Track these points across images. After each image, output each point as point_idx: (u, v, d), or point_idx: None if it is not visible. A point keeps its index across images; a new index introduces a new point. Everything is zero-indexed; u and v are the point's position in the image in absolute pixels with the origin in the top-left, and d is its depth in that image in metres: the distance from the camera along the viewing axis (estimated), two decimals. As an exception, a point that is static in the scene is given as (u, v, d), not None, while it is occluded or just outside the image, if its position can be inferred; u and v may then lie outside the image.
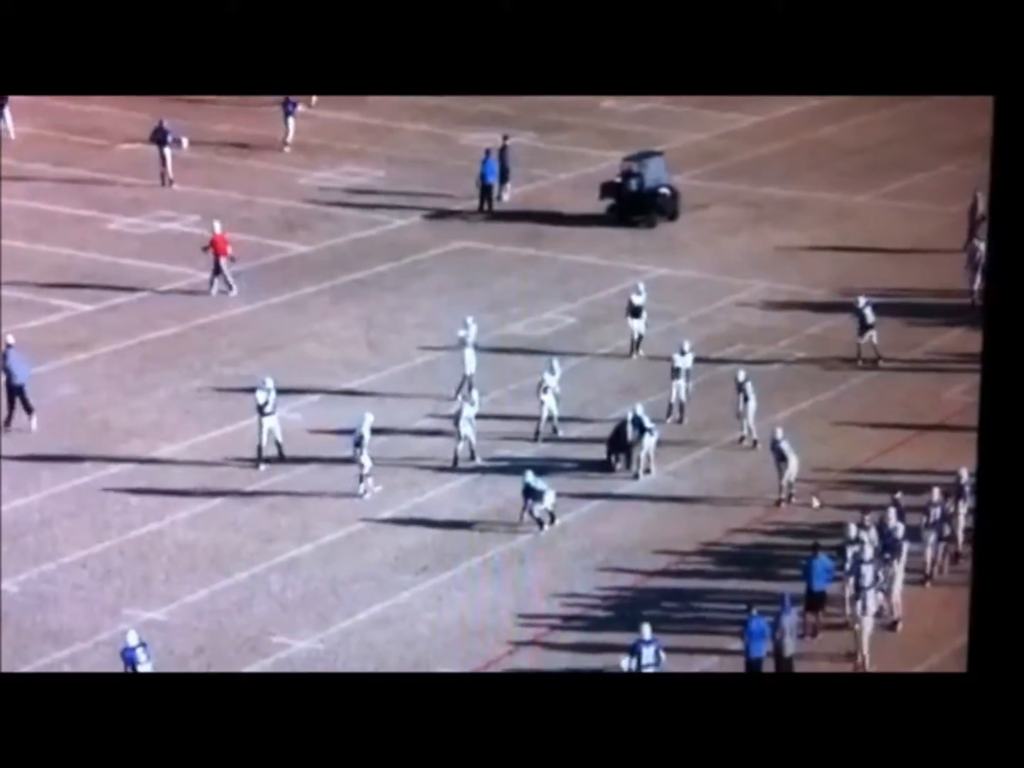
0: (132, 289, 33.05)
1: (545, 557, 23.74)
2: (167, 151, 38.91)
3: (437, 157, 41.22)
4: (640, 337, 30.45)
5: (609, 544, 24.10)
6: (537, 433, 27.03)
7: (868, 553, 21.64)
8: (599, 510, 25.13)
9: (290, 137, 41.94)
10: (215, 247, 33.16)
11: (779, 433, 25.06)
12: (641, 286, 30.71)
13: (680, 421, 27.33)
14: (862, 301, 29.90)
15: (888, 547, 21.96)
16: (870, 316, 29.76)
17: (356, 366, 30.05)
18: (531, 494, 24.29)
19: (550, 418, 27.12)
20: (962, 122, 39.66)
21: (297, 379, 29.03)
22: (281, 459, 26.17)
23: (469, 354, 28.61)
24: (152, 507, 25.02)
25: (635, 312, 30.35)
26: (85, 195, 38.15)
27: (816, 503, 22.56)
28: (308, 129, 43.20)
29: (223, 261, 32.98)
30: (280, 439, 26.26)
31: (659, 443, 26.14)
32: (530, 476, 24.32)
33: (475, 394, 26.52)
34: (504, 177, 37.97)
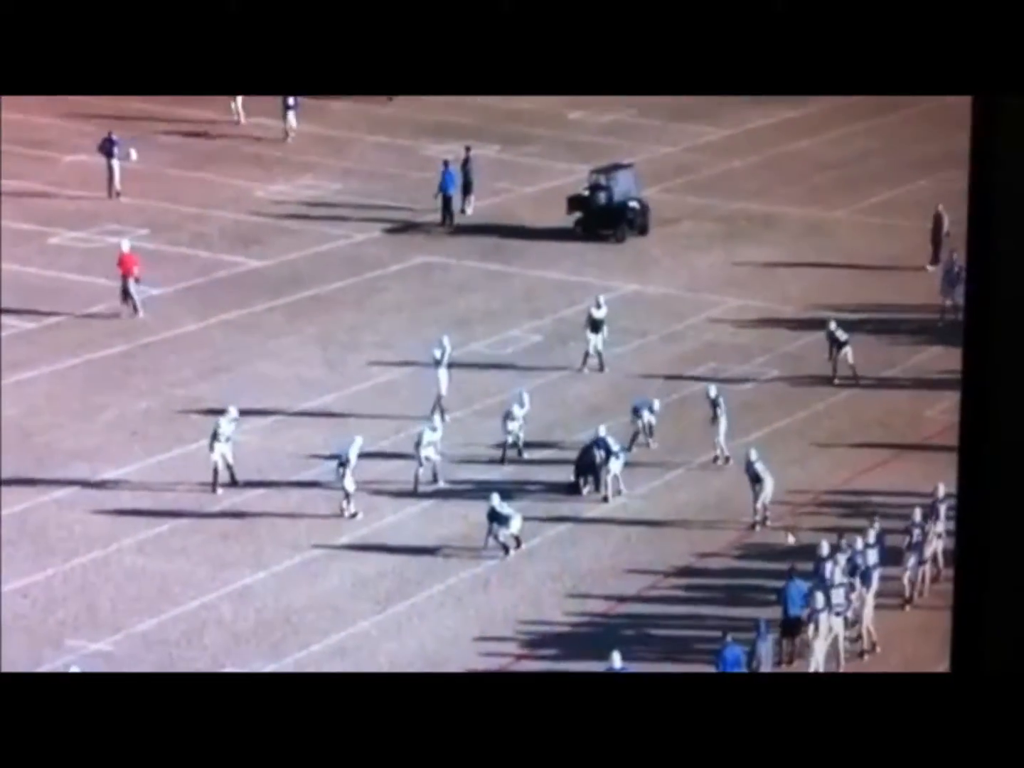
0: (76, 306, 32.75)
1: (511, 584, 23.62)
2: (115, 163, 38.74)
3: (397, 169, 41.15)
4: (599, 353, 30.35)
5: (577, 570, 23.98)
6: (503, 457, 26.89)
7: (837, 576, 21.63)
8: (567, 534, 25.00)
9: (292, 131, 42.04)
10: (122, 267, 32.45)
11: (753, 454, 25.01)
12: (601, 299, 30.67)
13: (648, 444, 27.24)
14: (832, 324, 29.92)
15: (855, 572, 21.96)
16: (842, 335, 29.79)
17: (312, 386, 29.88)
18: (496, 518, 24.15)
19: (514, 444, 27.03)
20: (940, 135, 39.89)
21: (251, 400, 28.79)
22: (233, 483, 25.97)
23: (443, 374, 28.43)
24: (98, 533, 24.76)
25: (595, 326, 30.29)
26: (26, 208, 37.78)
27: (791, 539, 22.49)
28: (264, 141, 43.10)
29: (131, 282, 32.21)
30: (231, 463, 26.06)
31: (628, 464, 26.04)
32: (495, 500, 24.18)
33: (437, 419, 26.35)
34: (467, 189, 37.92)
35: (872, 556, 22.23)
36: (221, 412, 26.42)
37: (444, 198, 37.50)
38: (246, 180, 40.33)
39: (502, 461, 26.93)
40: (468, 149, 38.54)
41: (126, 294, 32.38)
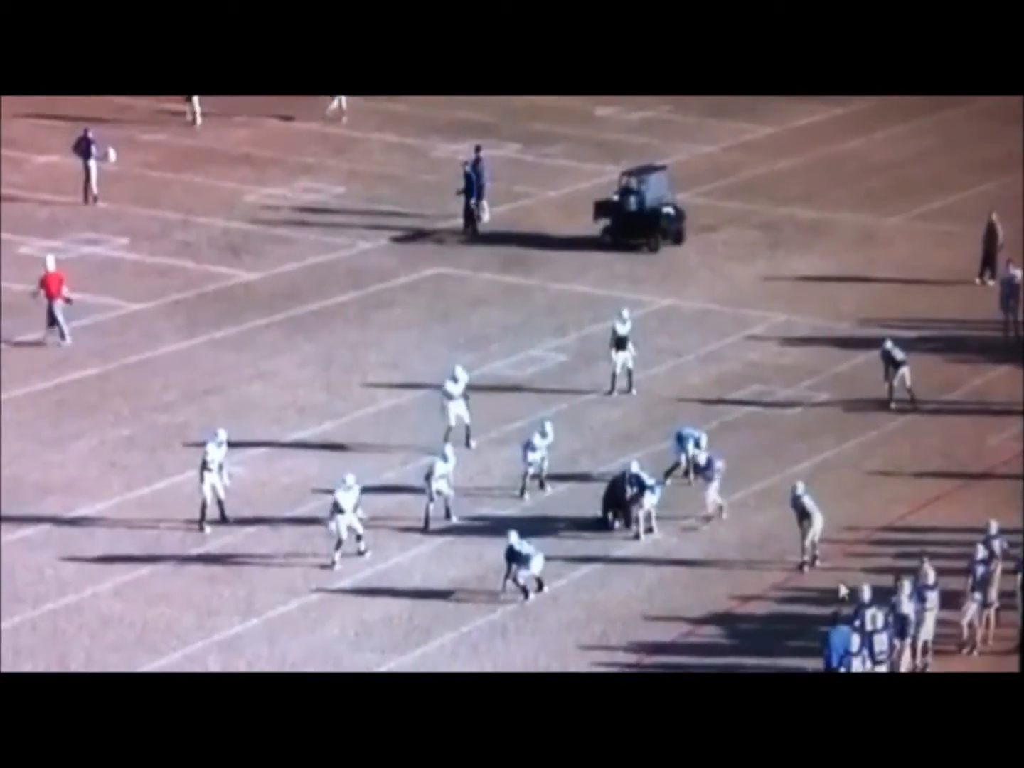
0: (49, 324, 32.52)
1: (532, 631, 23.55)
2: (92, 164, 38.75)
3: (406, 172, 41.30)
4: (629, 372, 30.34)
5: (606, 615, 23.91)
6: (523, 490, 26.88)
7: (879, 622, 21.64)
8: (594, 576, 24.94)
9: (198, 115, 42.51)
10: (46, 288, 31.99)
11: (800, 487, 24.96)
12: (625, 313, 30.69)
13: (690, 482, 27.09)
14: (888, 343, 29.90)
15: (895, 620, 21.94)
16: (899, 354, 29.77)
17: (311, 412, 29.85)
18: (515, 558, 24.14)
19: (536, 475, 26.99)
20: (1003, 133, 39.96)
21: (242, 427, 28.73)
22: (223, 520, 25.96)
23: (458, 407, 28.23)
24: (70, 576, 24.68)
25: (619, 343, 30.31)
26: None
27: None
28: (255, 139, 43.26)
29: (57, 305, 31.68)
30: (223, 497, 26.06)
31: (662, 499, 26.03)
32: (514, 537, 24.18)
33: (449, 449, 26.34)
34: (479, 194, 37.93)
35: (908, 606, 22.17)
36: (209, 440, 26.38)
37: (467, 203, 37.52)
38: (237, 182, 40.47)
39: (521, 495, 26.89)
40: (478, 149, 38.62)
41: (52, 318, 31.72)
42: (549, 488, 27.09)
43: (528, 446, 26.80)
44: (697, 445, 27.03)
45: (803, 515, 24.76)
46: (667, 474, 27.00)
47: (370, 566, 24.98)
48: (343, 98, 43.56)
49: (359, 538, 25.07)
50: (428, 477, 25.96)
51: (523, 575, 24.11)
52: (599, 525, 26.05)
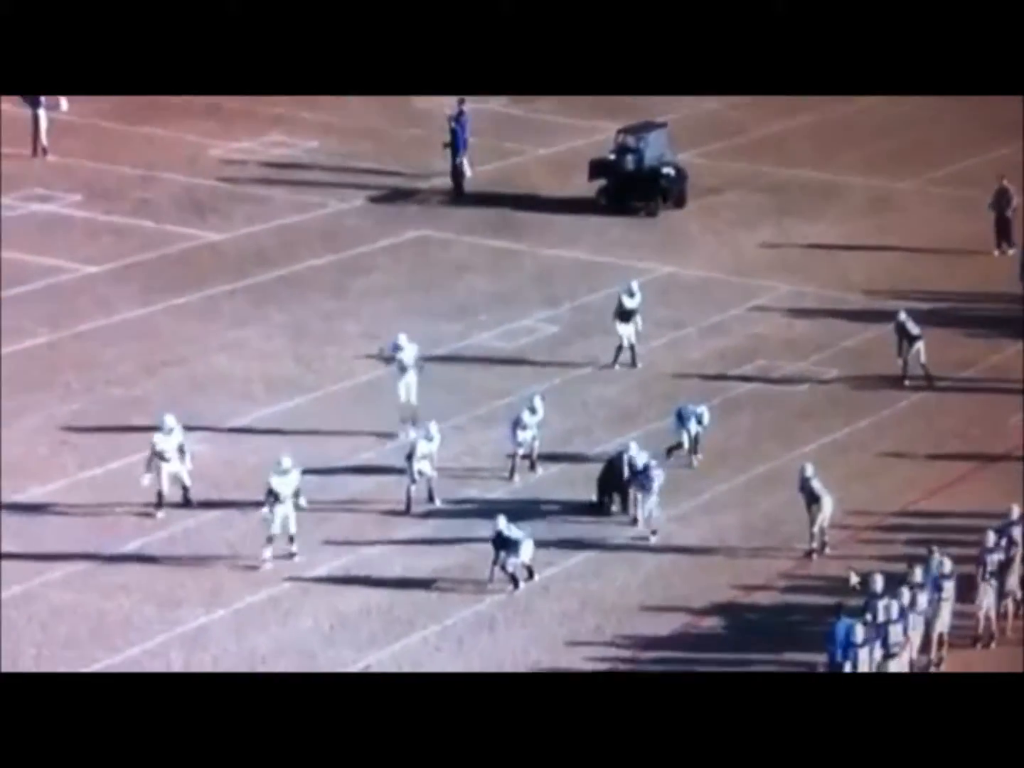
0: None
1: (521, 623, 23.72)
2: (41, 113, 38.57)
3: (386, 125, 41.37)
4: (632, 347, 30.61)
5: (600, 606, 24.10)
6: (512, 471, 27.11)
7: (894, 613, 21.97)
8: (588, 564, 25.15)
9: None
10: None
11: (809, 470, 25.26)
12: (635, 285, 30.90)
13: (691, 463, 27.32)
14: (903, 315, 30.18)
15: (910, 610, 22.26)
16: (913, 328, 30.08)
17: (281, 386, 29.92)
18: (504, 544, 24.36)
19: (527, 455, 27.24)
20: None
21: (206, 402, 28.87)
22: (187, 504, 26.07)
23: (409, 381, 28.31)
24: (18, 565, 24.60)
25: (625, 316, 30.53)
26: None
27: (855, 578, 22.80)
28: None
29: None
30: (188, 483, 25.98)
31: (661, 483, 26.28)
32: (502, 522, 24.40)
33: (433, 427, 26.51)
34: (462, 150, 37.82)
35: (913, 596, 22.51)
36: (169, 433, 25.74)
37: (454, 161, 37.65)
38: (201, 136, 40.50)
39: (510, 476, 27.13)
40: (462, 101, 38.62)
41: None
42: (540, 469, 27.32)
43: (517, 424, 27.01)
44: (700, 422, 27.30)
45: (812, 499, 25.07)
46: (668, 453, 27.26)
47: (347, 553, 25.08)
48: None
49: (291, 539, 24.70)
50: (410, 457, 26.16)
51: (512, 563, 24.36)
52: (594, 509, 26.27)
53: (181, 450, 25.89)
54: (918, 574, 22.68)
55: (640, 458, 25.85)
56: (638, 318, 30.55)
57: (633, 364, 30.65)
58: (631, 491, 26.07)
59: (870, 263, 35.17)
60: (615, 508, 26.25)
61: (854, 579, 22.89)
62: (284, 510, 24.78)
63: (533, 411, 27.14)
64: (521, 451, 27.09)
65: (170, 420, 25.98)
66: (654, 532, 25.67)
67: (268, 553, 24.73)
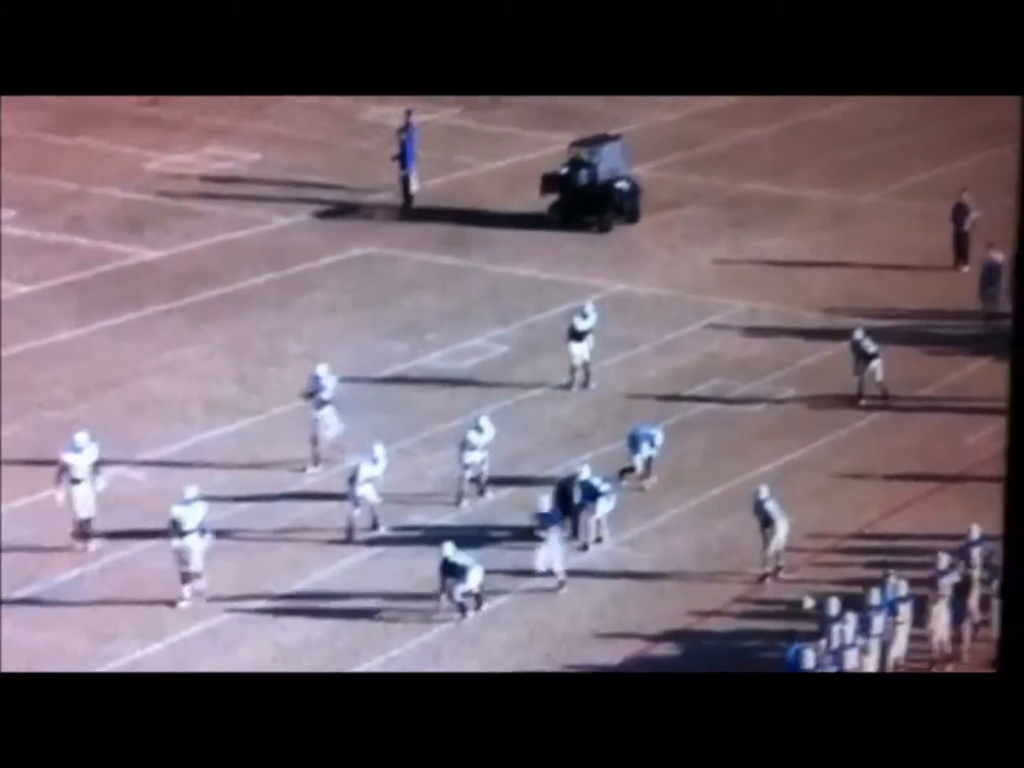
0: None
1: (469, 654, 23.93)
2: None
3: (332, 137, 41.63)
4: (585, 366, 31.01)
5: (551, 635, 24.40)
6: (460, 496, 27.43)
7: (848, 637, 22.47)
8: (539, 591, 25.47)
9: None
10: None
11: (764, 492, 25.71)
12: (589, 307, 31.28)
13: (643, 487, 27.75)
14: (859, 333, 30.75)
15: (862, 632, 22.76)
16: (870, 346, 30.60)
17: (222, 408, 30.12)
18: (451, 572, 24.58)
19: (475, 479, 27.57)
20: (993, 100, 40.55)
21: (143, 426, 29.05)
22: (84, 536, 25.61)
23: (327, 414, 28.31)
24: None
25: (578, 337, 30.95)
26: None
27: (810, 603, 23.29)
28: (159, 99, 42.97)
29: None
30: (91, 514, 25.61)
31: (614, 506, 26.66)
32: (449, 549, 24.64)
33: (378, 449, 26.66)
34: (408, 163, 38.16)
35: (897, 612, 23.01)
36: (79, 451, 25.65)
37: (405, 174, 37.97)
38: (138, 148, 40.60)
39: (458, 502, 27.40)
40: (409, 113, 38.99)
41: None
42: (490, 494, 27.66)
43: (464, 445, 27.28)
44: (652, 444, 27.74)
45: (766, 522, 25.53)
46: (621, 475, 27.69)
47: (287, 583, 25.19)
48: None
49: (192, 576, 24.49)
50: (352, 480, 26.35)
51: (459, 591, 24.64)
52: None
53: (97, 469, 25.80)
54: (874, 597, 23.19)
55: (594, 481, 26.27)
56: (590, 338, 31.00)
57: (586, 384, 31.09)
58: (582, 516, 26.47)
59: (828, 279, 35.61)
60: (566, 534, 26.63)
61: (808, 603, 23.37)
62: (197, 545, 24.66)
63: (480, 430, 27.36)
64: (468, 474, 27.35)
65: (82, 439, 25.95)
66: (599, 539, 26.04)
67: (188, 592, 24.68)
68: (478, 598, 24.76)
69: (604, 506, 26.17)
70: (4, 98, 40.24)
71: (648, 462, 27.83)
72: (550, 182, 37.90)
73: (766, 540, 25.57)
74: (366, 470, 26.34)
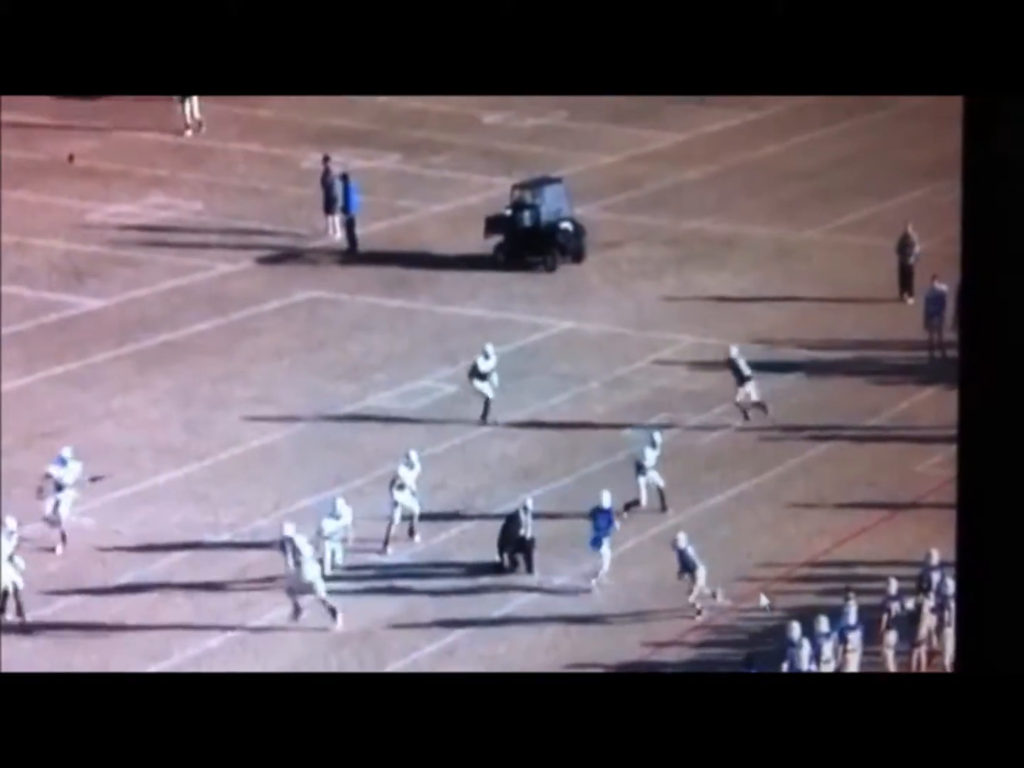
0: None
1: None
2: None
3: (273, 185, 41.70)
4: (489, 401, 31.04)
5: (509, 670, 24.18)
6: (386, 541, 27.10)
7: (804, 661, 22.53)
8: (494, 626, 25.39)
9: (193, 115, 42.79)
10: None
11: (682, 540, 25.50)
12: (490, 348, 31.39)
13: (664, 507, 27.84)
14: (734, 350, 31.10)
15: (814, 659, 22.84)
16: (745, 368, 30.90)
17: (169, 454, 30.03)
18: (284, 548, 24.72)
19: (407, 517, 27.36)
20: (931, 137, 41.03)
21: (91, 471, 28.54)
22: (19, 614, 25.23)
23: (64, 500, 27.28)
24: None
25: (481, 377, 31.10)
26: None
27: (764, 600, 23.38)
28: (100, 150, 43.34)
29: None
30: (19, 587, 25.30)
31: (564, 537, 26.66)
32: (290, 529, 25.08)
33: (340, 504, 26.41)
34: (329, 209, 38.33)
35: (847, 640, 23.08)
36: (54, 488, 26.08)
37: (348, 219, 38.07)
38: (78, 199, 40.55)
39: (384, 547, 26.99)
40: (327, 159, 39.10)
41: None
42: (417, 537, 27.24)
43: (392, 483, 27.06)
44: (654, 445, 27.76)
45: (686, 567, 25.43)
46: (626, 508, 27.56)
47: (238, 628, 25.10)
48: (195, 105, 43.89)
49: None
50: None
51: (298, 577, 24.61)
52: (496, 569, 26.63)
53: (77, 486, 26.58)
54: (823, 624, 23.25)
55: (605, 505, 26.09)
56: (494, 376, 31.02)
57: (484, 417, 30.92)
58: (533, 549, 26.50)
59: (774, 313, 35.79)
60: (518, 568, 26.64)
61: (764, 601, 23.42)
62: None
63: (409, 465, 27.26)
64: (398, 514, 27.06)
65: (67, 452, 27.01)
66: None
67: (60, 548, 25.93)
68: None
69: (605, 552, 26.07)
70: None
71: (661, 495, 27.70)
72: (494, 224, 38.06)
73: (690, 586, 25.35)
74: (328, 524, 26.23)
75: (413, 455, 27.54)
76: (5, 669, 23.86)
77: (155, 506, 28.20)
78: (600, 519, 26.11)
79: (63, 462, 26.94)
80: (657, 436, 28.40)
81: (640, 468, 28.00)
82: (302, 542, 25.29)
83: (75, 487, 26.84)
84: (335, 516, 26.18)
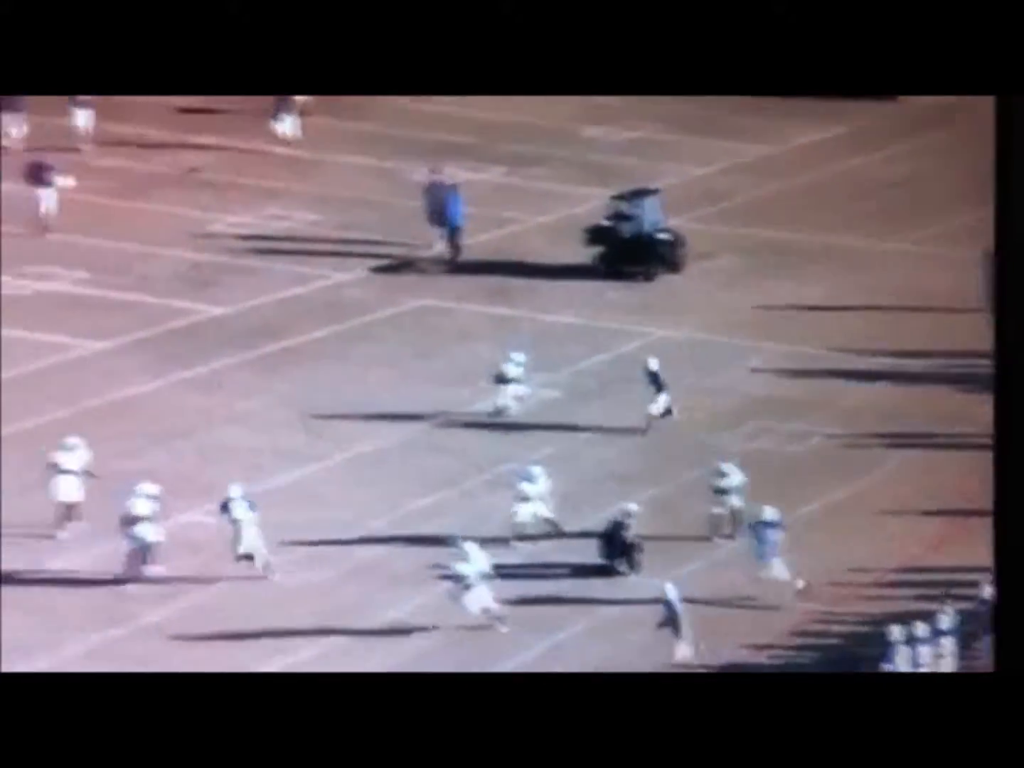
0: (3, 365, 32.64)
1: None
2: (43, 192, 38.67)
3: (385, 197, 41.86)
4: (517, 398, 31.60)
5: (627, 668, 24.15)
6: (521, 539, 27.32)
7: (903, 667, 22.67)
8: (604, 625, 25.60)
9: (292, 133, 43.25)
10: None
11: (671, 591, 24.88)
12: (520, 357, 31.93)
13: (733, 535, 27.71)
14: (653, 364, 31.16)
15: (913, 662, 23.00)
16: (663, 380, 31.00)
17: (288, 456, 30.27)
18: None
19: (547, 522, 27.57)
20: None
21: (214, 474, 29.22)
22: (65, 519, 27.22)
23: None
24: (40, 639, 25.02)
25: (506, 381, 31.67)
26: None
27: (800, 584, 23.52)
28: (219, 163, 43.76)
29: None
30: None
31: (663, 539, 26.72)
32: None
33: (536, 470, 27.09)
34: (435, 220, 38.56)
35: (945, 644, 23.20)
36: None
37: (451, 229, 38.38)
38: (201, 210, 40.87)
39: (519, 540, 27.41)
40: (434, 171, 39.29)
41: None
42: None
43: (516, 496, 27.43)
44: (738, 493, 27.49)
45: (669, 620, 24.78)
46: (712, 533, 27.57)
47: (354, 623, 25.34)
48: (288, 123, 44.02)
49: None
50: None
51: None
52: (603, 571, 26.84)
53: (85, 471, 27.42)
54: (920, 629, 23.39)
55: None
56: (519, 387, 31.59)
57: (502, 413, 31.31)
58: (635, 551, 26.73)
59: (861, 322, 35.76)
60: (623, 569, 26.93)
61: (800, 584, 23.44)
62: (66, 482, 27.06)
63: (532, 480, 27.60)
64: (524, 523, 27.41)
65: (72, 441, 27.85)
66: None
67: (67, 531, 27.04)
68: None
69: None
70: (68, 163, 40.64)
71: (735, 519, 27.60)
72: (594, 235, 38.19)
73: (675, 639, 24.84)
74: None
75: (535, 471, 27.79)
76: (146, 668, 24.19)
77: (274, 507, 28.51)
78: (765, 532, 25.87)
79: (68, 448, 27.60)
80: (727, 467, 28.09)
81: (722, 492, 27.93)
82: (241, 505, 26.36)
83: (78, 472, 27.51)
84: (465, 559, 25.52)
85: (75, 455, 27.85)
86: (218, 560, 26.86)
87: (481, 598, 25.09)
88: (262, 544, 26.49)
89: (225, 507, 26.63)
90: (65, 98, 42.79)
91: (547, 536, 27.73)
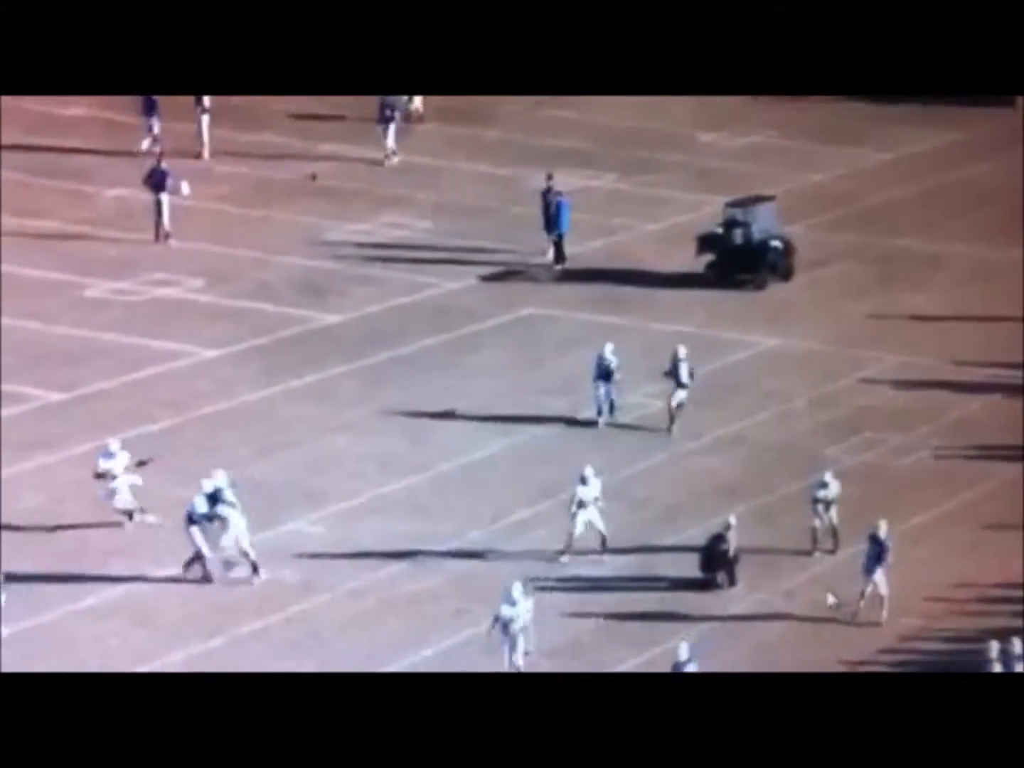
0: (116, 372, 33.00)
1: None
2: (164, 198, 38.97)
3: (498, 204, 41.72)
4: (611, 401, 31.16)
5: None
6: (563, 551, 26.84)
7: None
8: (697, 641, 25.22)
9: (391, 147, 43.18)
10: None
11: (683, 652, 23.43)
12: (610, 348, 31.39)
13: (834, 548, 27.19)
14: (682, 351, 30.85)
15: None
16: (684, 376, 30.51)
17: (393, 465, 30.15)
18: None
19: (599, 533, 27.10)
20: None
21: (321, 482, 29.18)
22: (130, 517, 27.24)
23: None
24: (142, 647, 24.88)
25: (608, 376, 31.16)
26: (56, 254, 38.09)
27: (832, 600, 23.03)
28: (338, 171, 43.82)
29: None
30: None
31: (759, 552, 26.21)
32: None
33: (588, 470, 26.71)
34: (550, 228, 38.21)
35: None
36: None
37: (557, 237, 38.06)
38: (318, 217, 40.86)
39: (562, 553, 26.87)
40: (550, 177, 38.94)
41: None
42: (606, 556, 26.97)
43: (573, 499, 26.88)
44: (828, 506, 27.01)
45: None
46: (813, 546, 27.02)
47: (452, 632, 25.17)
48: (391, 135, 43.88)
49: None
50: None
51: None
52: (702, 585, 26.41)
53: (128, 471, 27.79)
54: (1017, 646, 22.71)
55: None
56: (617, 375, 31.15)
57: (609, 413, 31.12)
58: (737, 566, 26.27)
59: (975, 333, 35.08)
60: (721, 582, 26.44)
61: (831, 600, 22.88)
62: (119, 483, 27.37)
63: (585, 483, 27.00)
64: (578, 530, 26.93)
65: (114, 446, 28.01)
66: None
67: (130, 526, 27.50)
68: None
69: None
70: (188, 170, 40.96)
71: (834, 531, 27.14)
72: (706, 242, 37.76)
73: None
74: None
75: (588, 471, 27.39)
76: (247, 668, 24.10)
77: (379, 516, 28.36)
78: (875, 546, 25.36)
79: (110, 455, 27.79)
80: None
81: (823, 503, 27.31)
82: (229, 495, 26.44)
83: (126, 473, 27.72)
84: (511, 603, 24.48)
85: (118, 460, 27.92)
86: (325, 569, 26.68)
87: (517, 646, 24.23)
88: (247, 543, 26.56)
89: (214, 498, 26.52)
90: (190, 105, 43.12)
91: (608, 551, 27.22)
